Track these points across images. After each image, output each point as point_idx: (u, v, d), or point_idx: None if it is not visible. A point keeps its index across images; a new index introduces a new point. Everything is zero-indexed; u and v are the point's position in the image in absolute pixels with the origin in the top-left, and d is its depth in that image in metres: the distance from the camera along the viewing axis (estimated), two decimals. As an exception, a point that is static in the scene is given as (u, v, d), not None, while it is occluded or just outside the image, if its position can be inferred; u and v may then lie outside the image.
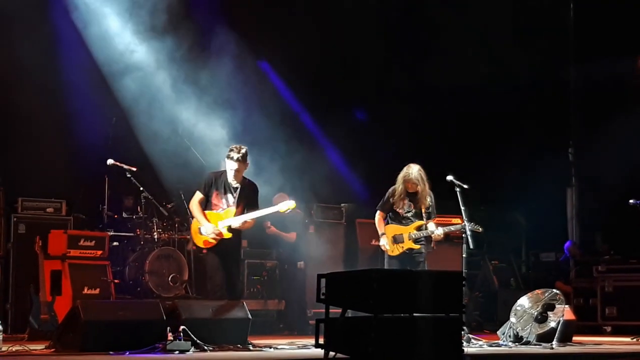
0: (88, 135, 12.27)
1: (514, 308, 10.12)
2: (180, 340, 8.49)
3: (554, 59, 15.77)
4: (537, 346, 9.72)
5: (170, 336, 8.56)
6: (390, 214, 10.62)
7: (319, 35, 14.09)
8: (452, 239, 13.08)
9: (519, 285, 14.92)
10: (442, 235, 10.51)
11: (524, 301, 10.14)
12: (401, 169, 10.48)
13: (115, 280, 11.51)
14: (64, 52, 12.21)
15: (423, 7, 15.08)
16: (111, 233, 11.87)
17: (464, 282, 7.61)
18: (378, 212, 10.65)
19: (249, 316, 9.37)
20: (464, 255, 10.13)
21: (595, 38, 15.53)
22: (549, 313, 9.96)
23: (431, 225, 10.42)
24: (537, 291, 10.22)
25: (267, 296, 12.92)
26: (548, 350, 9.43)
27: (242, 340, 9.14)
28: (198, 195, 9.78)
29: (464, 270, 9.69)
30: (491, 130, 15.61)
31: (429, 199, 10.52)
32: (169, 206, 12.33)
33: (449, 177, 10.19)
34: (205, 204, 9.74)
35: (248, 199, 9.75)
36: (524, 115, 15.57)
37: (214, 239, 9.57)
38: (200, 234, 9.64)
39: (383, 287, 7.14)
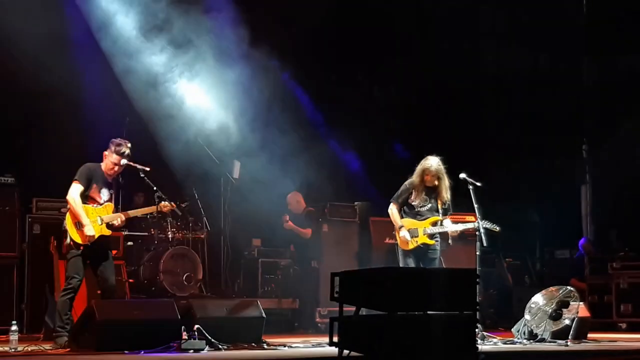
0: (101, 135, 12.30)
1: (528, 305, 10.10)
2: (194, 339, 8.52)
3: (569, 55, 15.72)
4: (552, 343, 9.70)
5: (184, 335, 8.58)
6: (405, 207, 10.38)
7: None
8: (466, 237, 13.03)
9: (533, 282, 14.89)
10: (458, 232, 10.36)
11: (538, 298, 10.12)
12: (414, 166, 10.33)
13: (130, 280, 11.55)
14: (77, 53, 12.23)
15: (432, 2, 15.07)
16: (125, 233, 11.90)
17: (477, 280, 7.60)
18: (392, 204, 10.36)
19: (263, 315, 9.39)
20: (477, 253, 10.09)
21: (610, 34, 15.48)
22: (564, 310, 9.94)
23: (447, 222, 10.23)
24: (552, 288, 10.20)
25: (281, 295, 12.93)
26: (563, 348, 9.42)
27: (257, 339, 9.16)
28: (79, 188, 9.19)
29: (478, 268, 9.67)
30: (505, 127, 15.59)
31: (447, 194, 10.29)
32: (183, 205, 12.35)
33: (462, 175, 10.14)
34: (81, 198, 9.21)
35: (117, 195, 9.55)
36: (538, 112, 15.53)
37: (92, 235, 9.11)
38: (79, 228, 9.11)
39: (397, 285, 7.14)
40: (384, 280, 7.13)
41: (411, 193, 10.28)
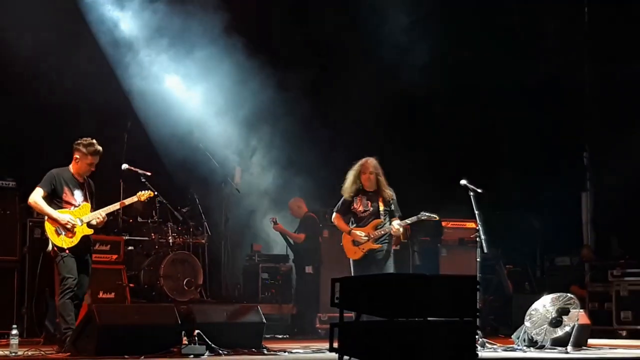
0: (103, 139, 12.31)
1: (528, 312, 10.09)
2: (195, 344, 8.52)
3: (570, 62, 15.71)
4: (552, 350, 9.70)
5: (185, 340, 8.59)
6: (350, 217, 10.25)
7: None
8: (466, 243, 13.09)
9: (533, 289, 14.88)
10: (400, 231, 10.13)
11: (538, 305, 10.11)
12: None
13: (131, 285, 11.55)
14: (80, 56, 12.26)
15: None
16: (126, 237, 11.93)
17: (478, 286, 7.60)
18: (334, 214, 10.30)
19: (264, 320, 9.39)
20: (478, 260, 10.10)
21: (612, 41, 15.48)
22: (564, 317, 9.92)
23: (395, 222, 10.04)
24: (552, 295, 10.19)
25: (282, 300, 12.93)
26: (563, 355, 9.42)
27: (257, 344, 9.17)
28: (40, 192, 9.18)
29: (478, 275, 9.67)
30: (506, 134, 15.58)
31: (388, 196, 10.17)
32: (184, 210, 12.38)
33: (463, 182, 10.16)
34: (51, 203, 9.21)
35: (92, 195, 9.51)
36: (539, 119, 15.53)
37: (72, 232, 9.11)
38: (58, 234, 9.12)
39: (397, 292, 7.14)
40: (385, 286, 7.13)
41: (352, 201, 10.18)
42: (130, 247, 12.09)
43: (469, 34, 14.84)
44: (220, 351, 8.66)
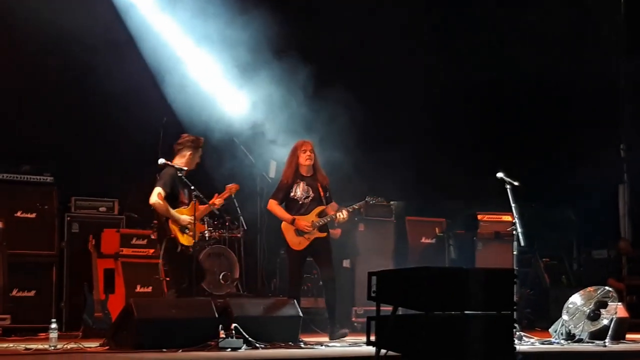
0: (138, 134, 12.39)
1: (566, 305, 10.04)
2: (232, 337, 8.56)
3: (605, 53, 15.60)
4: (590, 344, 9.65)
5: (222, 334, 8.63)
6: (287, 204, 10.01)
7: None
8: (502, 237, 13.03)
9: (570, 282, 14.80)
10: (346, 218, 10.04)
11: (576, 298, 10.06)
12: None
13: (167, 278, 11.61)
14: (114, 52, 12.31)
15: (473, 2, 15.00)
16: (162, 232, 11.98)
17: (515, 280, 7.57)
18: (270, 200, 10.06)
19: (300, 314, 9.42)
20: (514, 253, 10.05)
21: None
22: (602, 310, 9.86)
23: (342, 211, 9.91)
24: (590, 288, 10.13)
25: (318, 294, 12.93)
26: (601, 348, 9.36)
27: (294, 338, 9.19)
28: (162, 192, 9.38)
29: (515, 268, 9.63)
30: (542, 126, 15.50)
31: (325, 181, 10.04)
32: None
33: (500, 174, 10.11)
34: (170, 203, 9.44)
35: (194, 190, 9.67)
36: (575, 111, 15.43)
37: (190, 230, 9.37)
38: (183, 233, 9.42)
39: (434, 285, 7.13)
40: (421, 279, 7.13)
41: (291, 187, 10.00)
42: (166, 242, 12.13)
43: (501, 25, 14.76)
44: (257, 345, 8.68)
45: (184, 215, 9.44)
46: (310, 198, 10.01)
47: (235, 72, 12.68)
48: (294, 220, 9.93)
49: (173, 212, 9.41)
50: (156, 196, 9.35)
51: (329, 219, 9.97)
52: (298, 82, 12.60)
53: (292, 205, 10.03)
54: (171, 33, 12.54)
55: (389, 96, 14.31)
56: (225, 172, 12.58)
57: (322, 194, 10.02)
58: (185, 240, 9.43)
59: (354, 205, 10.11)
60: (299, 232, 9.94)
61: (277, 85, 12.60)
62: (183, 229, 9.42)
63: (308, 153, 10.01)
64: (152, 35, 12.40)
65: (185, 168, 9.55)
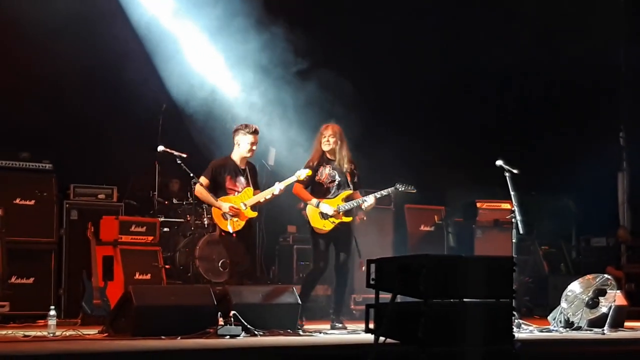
0: (138, 122, 12.38)
1: (564, 293, 10.06)
2: (231, 325, 8.56)
3: (605, 41, 15.57)
4: (589, 332, 9.67)
5: (221, 321, 8.64)
6: (312, 187, 9.90)
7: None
8: (501, 224, 13.03)
9: (569, 270, 14.82)
10: (373, 204, 9.92)
11: (574, 286, 10.07)
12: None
13: (166, 266, 11.62)
14: (114, 40, 12.28)
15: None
16: (162, 219, 11.99)
17: (514, 267, 7.56)
18: (295, 184, 9.91)
19: (299, 301, 9.42)
20: (513, 241, 10.05)
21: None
22: (601, 298, 9.89)
23: (369, 197, 9.83)
24: (588, 276, 10.14)
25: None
26: (599, 336, 9.37)
27: (292, 325, 9.19)
28: (204, 181, 9.76)
29: (514, 256, 9.62)
30: (541, 114, 15.49)
31: (352, 166, 9.96)
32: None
33: (499, 162, 10.09)
34: (217, 191, 9.76)
35: (254, 178, 9.94)
36: (574, 99, 15.42)
37: (235, 216, 9.62)
38: (225, 218, 9.68)
39: (433, 273, 7.12)
40: (421, 267, 7.11)
41: (316, 170, 9.91)
42: (165, 229, 12.15)
43: (500, 13, 14.73)
44: (256, 332, 8.69)
45: (225, 202, 9.66)
46: (336, 182, 9.93)
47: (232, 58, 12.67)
48: (318, 203, 9.84)
49: (212, 199, 9.73)
50: (198, 186, 9.74)
51: (355, 204, 9.87)
52: (289, 66, 12.60)
53: (317, 189, 9.92)
54: (171, 20, 12.49)
55: (390, 82, 14.29)
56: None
57: (349, 178, 9.95)
58: (224, 225, 9.68)
59: (382, 192, 10.01)
60: (324, 216, 9.85)
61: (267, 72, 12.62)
62: (224, 215, 9.67)
63: (327, 138, 9.94)
64: (153, 22, 12.36)
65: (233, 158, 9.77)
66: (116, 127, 12.38)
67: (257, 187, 9.99)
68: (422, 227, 13.51)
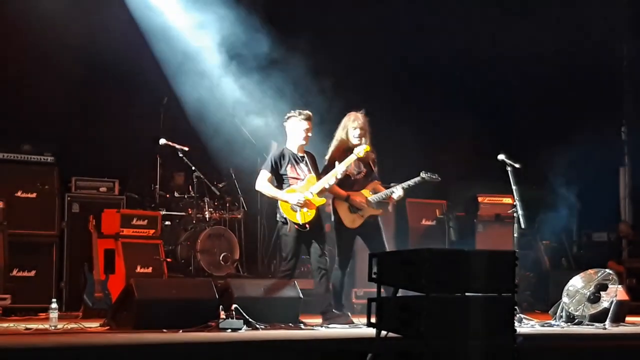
0: (139, 115, 12.37)
1: (566, 288, 10.05)
2: (232, 318, 8.56)
3: (608, 35, 15.55)
4: (590, 326, 9.66)
5: (222, 314, 8.64)
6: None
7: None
8: (503, 219, 13.02)
9: (570, 265, 14.82)
10: (402, 195, 9.69)
11: (576, 281, 10.06)
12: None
13: (168, 259, 11.62)
14: (116, 30, 12.27)
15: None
16: (163, 212, 11.99)
17: (516, 262, 7.55)
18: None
19: (301, 295, 9.42)
20: (515, 235, 10.04)
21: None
22: (602, 293, 9.87)
23: (397, 188, 9.59)
24: (590, 271, 10.13)
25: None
26: (601, 331, 9.38)
27: (294, 319, 9.19)
28: (266, 175, 9.54)
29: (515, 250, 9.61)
30: (543, 109, 15.48)
31: (374, 155, 9.74)
32: (220, 185, 12.41)
33: (501, 156, 10.08)
34: (280, 183, 9.59)
35: (314, 165, 9.71)
36: (576, 93, 15.40)
37: (304, 206, 9.38)
38: (294, 210, 9.45)
39: (435, 267, 7.12)
40: (422, 261, 7.11)
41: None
42: (167, 222, 12.15)
43: (502, 3, 14.71)
44: (258, 325, 8.69)
45: (291, 194, 9.47)
46: (362, 174, 9.75)
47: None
48: (348, 197, 9.63)
49: (278, 193, 9.52)
50: (260, 180, 9.55)
51: (384, 196, 9.67)
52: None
53: (345, 182, 9.65)
54: (173, 13, 12.49)
55: (389, 74, 14.29)
56: (224, 153, 12.60)
57: (373, 168, 9.79)
58: (294, 217, 9.47)
59: (409, 182, 9.75)
60: (353, 210, 9.65)
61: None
62: (292, 207, 9.46)
63: (357, 129, 9.65)
64: (155, 16, 12.36)
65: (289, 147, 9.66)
66: (118, 120, 12.37)
67: (319, 174, 9.63)
68: (424, 222, 13.49)
